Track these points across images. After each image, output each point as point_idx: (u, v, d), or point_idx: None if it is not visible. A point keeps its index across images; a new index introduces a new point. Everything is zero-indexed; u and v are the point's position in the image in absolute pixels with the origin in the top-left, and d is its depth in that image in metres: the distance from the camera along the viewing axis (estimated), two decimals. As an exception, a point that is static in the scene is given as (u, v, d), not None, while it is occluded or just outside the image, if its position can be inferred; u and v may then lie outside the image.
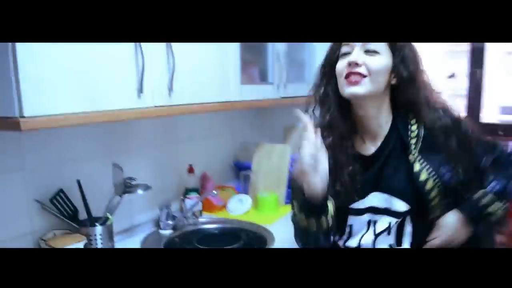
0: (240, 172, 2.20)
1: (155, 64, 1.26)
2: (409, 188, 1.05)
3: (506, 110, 6.24)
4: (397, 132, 1.11)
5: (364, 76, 1.03)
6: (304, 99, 1.66)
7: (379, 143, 1.12)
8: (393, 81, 1.09)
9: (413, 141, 1.08)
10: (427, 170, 1.04)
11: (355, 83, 1.02)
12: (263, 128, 2.49)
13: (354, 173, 1.08)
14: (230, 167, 2.27)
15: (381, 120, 1.11)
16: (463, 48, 3.81)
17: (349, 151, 1.11)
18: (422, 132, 1.09)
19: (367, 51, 1.04)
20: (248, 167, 2.17)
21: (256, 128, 2.45)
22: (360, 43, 1.04)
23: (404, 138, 1.09)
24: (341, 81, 1.06)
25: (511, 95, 6.14)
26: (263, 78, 1.89)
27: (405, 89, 1.09)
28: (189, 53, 1.39)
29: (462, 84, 3.74)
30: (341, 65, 1.07)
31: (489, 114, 5.34)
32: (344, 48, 1.07)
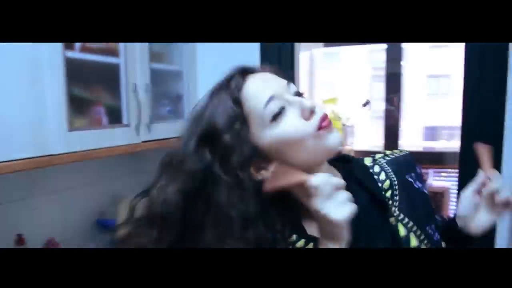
0: (107, 232, 1.79)
1: None
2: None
3: (429, 132, 6.29)
4: (354, 185, 0.75)
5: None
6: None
7: None
8: None
9: (388, 193, 0.75)
10: (415, 233, 0.73)
11: (330, 128, 0.68)
12: (140, 174, 2.09)
13: None
14: (93, 226, 1.84)
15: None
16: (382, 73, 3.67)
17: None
18: (392, 177, 0.77)
19: (297, 94, 0.71)
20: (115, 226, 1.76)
21: (131, 175, 2.05)
22: (283, 88, 0.70)
23: (374, 190, 0.75)
24: (311, 141, 0.67)
25: (433, 116, 6.23)
26: (115, 119, 1.50)
27: None
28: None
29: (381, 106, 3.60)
30: (294, 124, 0.68)
31: (412, 140, 5.28)
32: (272, 106, 0.68)
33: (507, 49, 1.58)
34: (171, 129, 1.78)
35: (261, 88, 0.69)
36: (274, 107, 0.67)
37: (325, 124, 0.67)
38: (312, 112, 0.68)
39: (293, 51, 1.83)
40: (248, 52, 1.88)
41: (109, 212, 1.86)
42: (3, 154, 1.10)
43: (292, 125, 0.67)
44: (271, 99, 0.67)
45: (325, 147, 0.68)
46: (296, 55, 1.87)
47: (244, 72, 0.73)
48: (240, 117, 0.68)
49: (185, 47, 1.89)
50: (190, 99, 1.91)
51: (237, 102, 0.69)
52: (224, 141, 0.67)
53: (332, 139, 0.68)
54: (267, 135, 0.68)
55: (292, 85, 0.71)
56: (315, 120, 0.67)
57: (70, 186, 1.69)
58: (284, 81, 0.71)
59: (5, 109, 1.10)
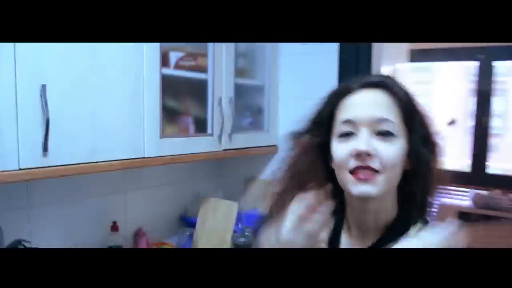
0: (187, 228, 1.98)
1: (23, 117, 1.08)
2: None
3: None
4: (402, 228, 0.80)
5: (377, 171, 0.74)
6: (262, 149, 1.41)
7: (375, 238, 0.82)
8: (407, 167, 0.80)
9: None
10: None
11: (366, 180, 0.74)
12: (221, 178, 2.28)
13: None
14: (176, 221, 2.05)
15: (384, 215, 0.82)
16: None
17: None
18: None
19: (379, 133, 0.76)
20: (195, 223, 1.95)
21: (213, 178, 2.24)
22: (369, 122, 0.76)
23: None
24: (344, 174, 0.77)
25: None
26: (200, 128, 1.69)
27: (422, 178, 0.81)
28: (82, 103, 1.21)
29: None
30: (343, 153, 0.77)
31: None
32: (345, 127, 0.77)
33: None
34: (250, 140, 1.94)
35: (353, 107, 0.78)
36: (345, 128, 0.77)
37: (358, 175, 0.74)
38: (359, 155, 0.74)
39: (369, 65, 1.89)
40: (326, 68, 1.98)
41: (191, 210, 2.06)
42: (106, 155, 1.31)
43: (339, 152, 0.77)
44: (348, 121, 0.77)
45: (350, 191, 0.77)
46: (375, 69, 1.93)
47: (362, 85, 0.80)
48: (327, 119, 0.81)
49: (268, 64, 2.03)
50: (270, 112, 2.05)
51: (333, 107, 0.81)
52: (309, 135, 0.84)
53: (358, 189, 0.75)
54: (331, 145, 0.80)
55: (385, 122, 0.75)
56: (352, 164, 0.75)
57: (159, 184, 1.92)
58: (378, 116, 0.75)
59: (110, 117, 1.31)
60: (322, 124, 0.82)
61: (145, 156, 1.42)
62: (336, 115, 0.80)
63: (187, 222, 2.03)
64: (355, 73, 1.91)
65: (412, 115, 0.79)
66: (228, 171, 2.29)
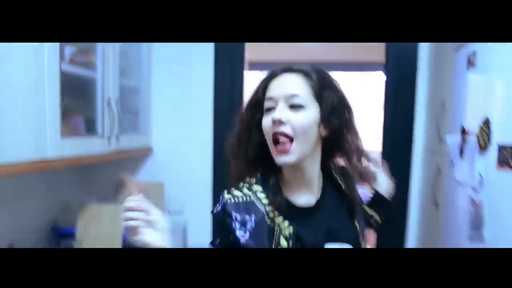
0: (61, 239, 1.82)
1: None
2: (354, 233, 1.05)
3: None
4: (332, 183, 1.09)
5: (290, 138, 0.94)
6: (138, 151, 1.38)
7: (317, 194, 1.04)
8: (324, 133, 1.00)
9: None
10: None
11: (284, 152, 0.95)
12: (90, 184, 2.14)
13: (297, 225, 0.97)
14: (47, 234, 1.85)
15: (314, 172, 1.03)
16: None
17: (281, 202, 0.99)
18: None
19: (292, 106, 0.96)
20: (72, 233, 1.80)
21: (82, 185, 2.10)
22: (284, 97, 0.96)
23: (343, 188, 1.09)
24: (270, 145, 0.98)
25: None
26: (90, 129, 1.59)
27: (337, 140, 1.02)
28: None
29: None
30: (266, 123, 0.98)
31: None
32: (268, 103, 0.98)
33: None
34: (131, 141, 1.90)
35: (275, 87, 0.98)
36: (269, 104, 0.98)
37: (278, 148, 0.96)
38: (274, 123, 0.94)
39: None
40: (201, 72, 2.08)
41: (62, 220, 1.90)
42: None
43: (265, 122, 0.98)
44: (270, 98, 0.98)
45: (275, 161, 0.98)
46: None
47: (284, 70, 1.01)
48: (261, 98, 1.02)
49: (143, 64, 2.02)
50: (145, 114, 2.05)
51: (264, 88, 1.01)
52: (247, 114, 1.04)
53: (280, 160, 0.97)
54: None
55: (295, 97, 0.95)
56: (271, 131, 0.96)
57: (23, 196, 1.71)
58: (291, 92, 0.96)
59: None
60: (258, 103, 1.01)
61: (49, 157, 1.29)
62: (265, 95, 1.00)
63: (59, 233, 1.86)
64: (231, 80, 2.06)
65: (322, 91, 0.97)
66: (96, 176, 2.17)
